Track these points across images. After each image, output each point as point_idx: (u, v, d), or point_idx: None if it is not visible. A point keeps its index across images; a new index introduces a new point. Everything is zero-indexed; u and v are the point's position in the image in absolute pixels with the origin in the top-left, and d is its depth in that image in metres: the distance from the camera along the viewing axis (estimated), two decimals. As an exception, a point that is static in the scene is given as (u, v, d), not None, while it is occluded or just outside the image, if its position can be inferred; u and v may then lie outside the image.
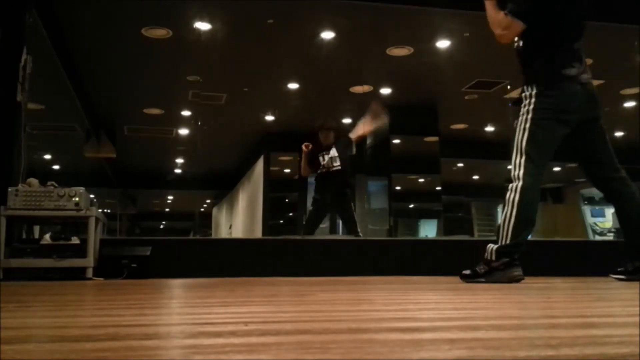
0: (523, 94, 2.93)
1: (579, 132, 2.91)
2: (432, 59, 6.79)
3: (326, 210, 6.00)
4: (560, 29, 2.94)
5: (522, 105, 2.94)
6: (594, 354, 0.67)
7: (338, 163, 5.64)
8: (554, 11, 2.91)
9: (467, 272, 2.92)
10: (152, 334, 0.91)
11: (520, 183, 2.82)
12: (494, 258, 2.83)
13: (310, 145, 5.71)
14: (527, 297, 1.84)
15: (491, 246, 2.87)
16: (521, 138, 2.88)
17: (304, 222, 5.90)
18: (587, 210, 12.12)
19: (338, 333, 0.88)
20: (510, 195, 2.85)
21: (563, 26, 2.95)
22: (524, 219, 2.82)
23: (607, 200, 3.07)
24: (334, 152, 5.67)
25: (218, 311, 1.38)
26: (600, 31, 6.02)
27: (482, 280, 2.84)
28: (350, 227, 5.68)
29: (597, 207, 12.27)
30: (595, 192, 12.31)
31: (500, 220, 2.92)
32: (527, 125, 2.87)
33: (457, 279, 2.96)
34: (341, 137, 5.88)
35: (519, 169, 2.85)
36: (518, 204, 2.80)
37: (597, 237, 11.65)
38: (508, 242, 2.81)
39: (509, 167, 2.94)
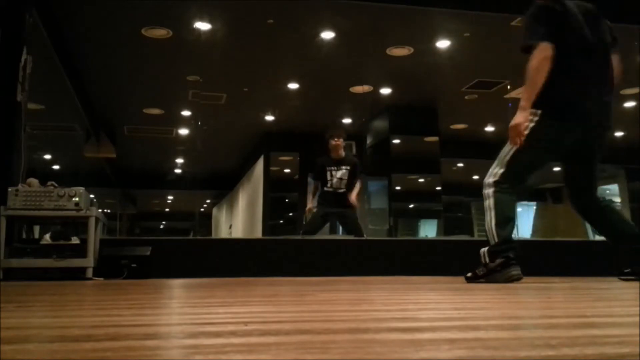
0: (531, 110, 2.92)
1: (573, 153, 3.03)
2: (432, 59, 6.79)
3: (325, 223, 5.98)
4: (572, 56, 2.90)
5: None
6: (594, 354, 0.67)
7: (344, 187, 5.65)
8: (564, 38, 2.86)
9: (469, 274, 2.99)
10: (152, 334, 0.91)
11: (492, 189, 2.94)
12: (488, 260, 2.90)
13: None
14: (527, 297, 1.84)
15: (483, 250, 2.95)
16: (508, 150, 2.95)
17: (303, 224, 5.90)
18: (587, 210, 12.10)
19: (338, 333, 0.88)
20: (486, 203, 2.97)
21: (575, 52, 2.91)
22: (503, 219, 2.91)
23: (583, 214, 3.13)
24: (343, 173, 5.66)
25: (218, 311, 1.38)
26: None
27: (482, 281, 2.89)
28: (357, 236, 5.67)
29: (597, 207, 12.25)
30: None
31: (485, 226, 2.98)
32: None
33: (457, 278, 2.97)
34: (351, 156, 5.89)
35: (493, 177, 2.96)
36: (494, 207, 2.92)
37: (597, 237, 11.65)
38: (496, 241, 2.88)
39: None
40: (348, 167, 5.69)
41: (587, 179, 3.08)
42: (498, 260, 2.84)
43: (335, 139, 5.66)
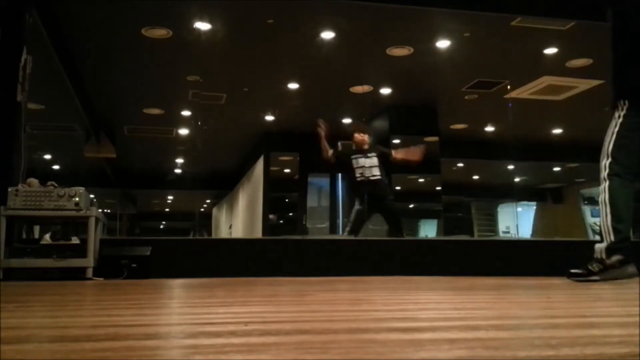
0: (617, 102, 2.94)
1: None
2: (432, 59, 6.79)
3: (369, 215, 5.85)
4: None
5: (615, 111, 2.98)
6: (594, 354, 0.67)
7: (378, 173, 5.56)
8: None
9: (578, 270, 2.91)
10: (152, 334, 0.91)
11: (607, 183, 2.92)
12: (604, 256, 2.86)
13: (324, 127, 5.53)
14: (527, 297, 1.84)
15: (599, 246, 2.92)
16: (609, 141, 2.96)
17: (349, 223, 5.76)
18: (587, 210, 12.12)
19: (338, 333, 0.88)
20: (601, 197, 2.95)
21: None
22: (618, 213, 2.88)
23: None
24: (373, 160, 5.56)
25: (218, 311, 1.38)
26: (600, 31, 6.02)
27: (597, 278, 2.83)
28: (397, 227, 5.62)
29: (597, 207, 12.25)
30: (595, 192, 12.34)
31: (600, 222, 2.97)
32: (616, 129, 2.94)
33: (457, 278, 2.96)
34: (378, 147, 5.80)
35: (605, 171, 2.96)
36: (609, 202, 2.89)
37: (597, 237, 11.64)
38: (613, 238, 2.86)
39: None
40: (375, 155, 5.58)
41: None
42: (615, 257, 2.81)
43: (361, 134, 5.60)
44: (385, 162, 5.69)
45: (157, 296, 2.06)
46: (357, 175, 5.56)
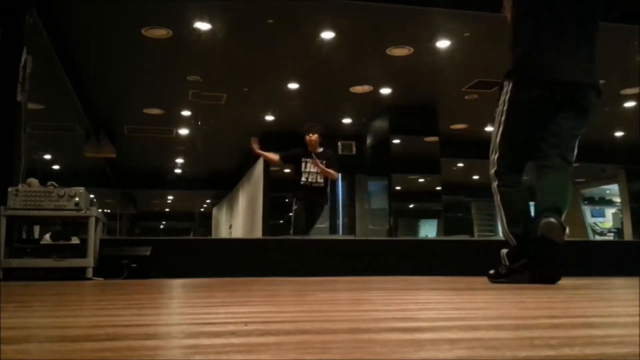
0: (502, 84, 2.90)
1: None
2: (432, 59, 6.79)
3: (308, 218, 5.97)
4: None
5: (501, 95, 2.92)
6: (593, 354, 0.67)
7: (322, 180, 5.65)
8: None
9: (492, 271, 2.86)
10: (152, 334, 0.91)
11: (496, 183, 2.84)
12: (507, 262, 2.78)
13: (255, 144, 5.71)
14: (527, 297, 1.84)
15: (503, 251, 2.83)
16: (496, 132, 2.88)
17: (293, 227, 5.89)
18: (587, 210, 12.13)
19: (338, 333, 0.88)
20: (494, 199, 2.87)
21: None
22: (512, 216, 2.80)
23: None
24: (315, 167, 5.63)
25: (218, 311, 1.38)
26: (600, 31, 6.01)
27: (503, 280, 2.76)
28: (310, 227, 5.72)
29: (597, 207, 12.28)
30: (595, 192, 12.36)
31: (499, 227, 2.90)
32: (502, 118, 2.85)
33: (457, 278, 2.96)
34: (328, 150, 5.86)
35: (493, 167, 2.88)
36: (501, 204, 2.81)
37: (597, 237, 11.65)
38: (512, 243, 2.78)
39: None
40: (322, 161, 5.64)
41: None
42: (520, 262, 2.69)
43: (310, 135, 5.66)
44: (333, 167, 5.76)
45: (157, 296, 2.06)
46: (303, 180, 5.64)
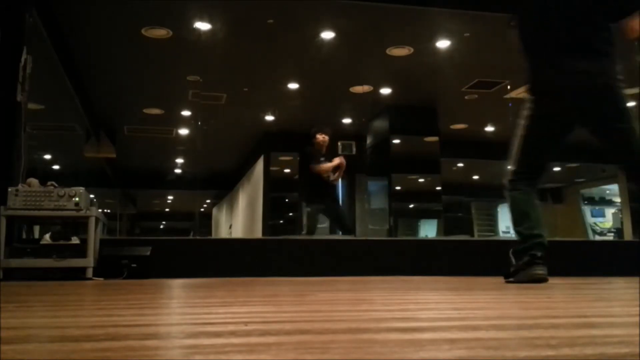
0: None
1: None
2: (432, 59, 6.79)
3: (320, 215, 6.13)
4: None
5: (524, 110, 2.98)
6: (593, 354, 0.67)
7: (335, 176, 5.80)
8: None
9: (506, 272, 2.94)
10: (152, 334, 0.91)
11: (508, 193, 2.95)
12: (514, 261, 2.85)
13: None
14: (527, 297, 1.84)
15: (511, 250, 2.92)
16: (516, 144, 2.96)
17: (305, 225, 6.04)
18: (587, 210, 12.12)
19: (338, 333, 0.88)
20: (507, 204, 2.98)
21: None
22: (517, 217, 2.92)
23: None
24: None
25: (218, 311, 1.38)
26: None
27: (512, 280, 2.83)
28: (343, 223, 5.84)
29: (597, 207, 12.27)
30: (595, 192, 12.36)
31: None
32: (522, 132, 2.94)
33: (457, 278, 2.96)
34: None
35: (508, 177, 2.99)
36: (510, 209, 2.94)
37: (597, 237, 11.65)
38: (517, 242, 2.87)
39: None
40: (330, 158, 5.84)
41: None
42: (524, 259, 2.78)
43: (324, 135, 5.78)
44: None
45: (157, 296, 2.06)
46: (325, 177, 5.83)
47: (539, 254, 2.76)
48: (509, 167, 2.98)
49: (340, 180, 6.08)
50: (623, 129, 2.80)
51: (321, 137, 5.86)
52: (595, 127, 2.87)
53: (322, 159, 5.85)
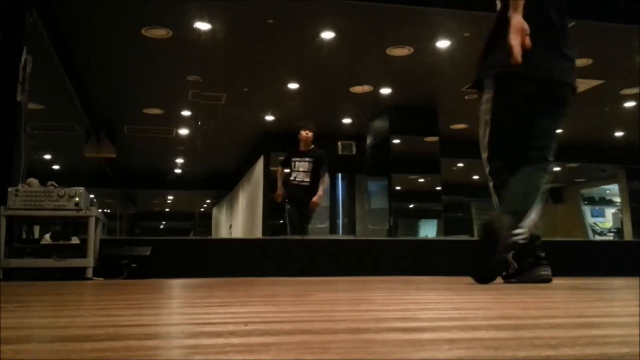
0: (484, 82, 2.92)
1: None
2: (432, 59, 6.79)
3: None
4: None
5: (483, 94, 2.93)
6: (594, 354, 0.67)
7: (308, 179, 5.74)
8: None
9: (505, 273, 2.87)
10: (152, 334, 0.91)
11: (491, 184, 2.86)
12: (514, 264, 2.80)
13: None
14: (527, 297, 1.84)
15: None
16: (482, 132, 2.90)
17: (289, 227, 5.97)
18: (587, 210, 12.13)
19: (338, 333, 0.88)
20: (492, 199, 2.89)
21: None
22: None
23: None
24: (306, 166, 5.78)
25: (218, 311, 1.38)
26: (601, 31, 6.02)
27: (514, 280, 2.79)
28: (303, 227, 5.80)
29: (597, 207, 12.29)
30: (595, 192, 12.37)
31: None
32: (488, 117, 2.86)
33: (457, 278, 2.96)
34: (320, 150, 5.95)
35: (487, 167, 2.90)
36: (497, 204, 2.83)
37: (597, 237, 11.66)
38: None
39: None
40: (312, 160, 5.72)
41: None
42: (528, 260, 2.72)
43: (307, 131, 5.74)
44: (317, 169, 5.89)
45: (157, 296, 2.06)
46: (292, 179, 5.82)
47: (543, 254, 2.75)
48: (483, 155, 2.87)
49: (340, 180, 6.04)
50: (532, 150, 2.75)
51: (304, 134, 5.83)
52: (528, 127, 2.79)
53: (297, 159, 5.80)
